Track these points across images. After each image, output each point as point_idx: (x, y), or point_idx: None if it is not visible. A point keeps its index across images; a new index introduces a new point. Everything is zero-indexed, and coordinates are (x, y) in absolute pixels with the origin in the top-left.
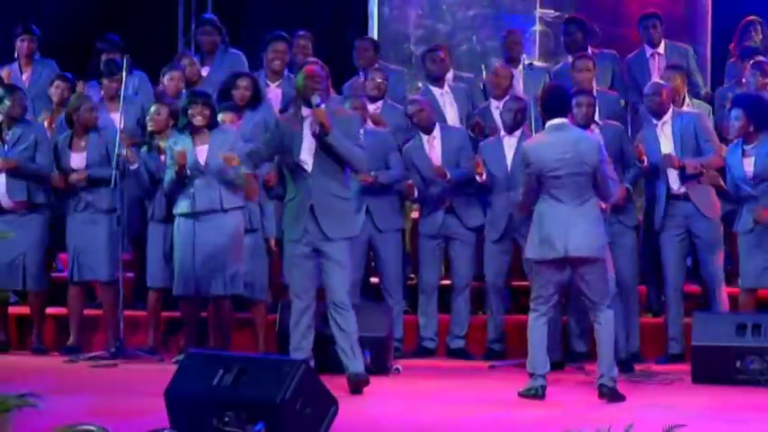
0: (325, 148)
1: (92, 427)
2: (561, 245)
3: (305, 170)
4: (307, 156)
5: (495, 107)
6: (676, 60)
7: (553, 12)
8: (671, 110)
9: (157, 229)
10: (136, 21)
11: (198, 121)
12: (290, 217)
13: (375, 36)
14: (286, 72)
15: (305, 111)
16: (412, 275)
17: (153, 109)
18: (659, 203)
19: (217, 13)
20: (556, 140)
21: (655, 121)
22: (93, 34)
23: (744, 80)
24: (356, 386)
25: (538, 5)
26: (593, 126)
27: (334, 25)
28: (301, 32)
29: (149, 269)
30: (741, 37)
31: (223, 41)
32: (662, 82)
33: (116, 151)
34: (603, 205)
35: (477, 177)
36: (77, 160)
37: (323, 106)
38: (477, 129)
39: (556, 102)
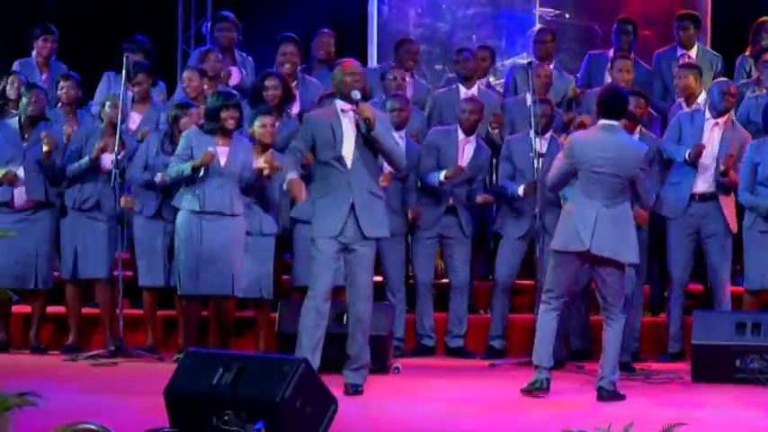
0: (368, 144)
1: (92, 426)
2: (586, 239)
3: (344, 166)
4: (347, 151)
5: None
6: (706, 66)
7: (553, 10)
8: (730, 115)
9: (149, 227)
10: (135, 21)
11: (230, 125)
12: (325, 214)
13: (375, 35)
14: (300, 75)
15: (343, 105)
16: (410, 274)
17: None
18: (680, 203)
19: (215, 12)
20: (604, 140)
21: (709, 117)
22: (92, 34)
23: (761, 78)
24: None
25: (537, 4)
26: (638, 129)
27: (333, 25)
28: (325, 30)
29: (141, 269)
30: (755, 38)
31: (238, 38)
32: (730, 81)
33: (115, 150)
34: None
35: (491, 130)
36: (106, 159)
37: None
38: (496, 121)
39: (613, 103)
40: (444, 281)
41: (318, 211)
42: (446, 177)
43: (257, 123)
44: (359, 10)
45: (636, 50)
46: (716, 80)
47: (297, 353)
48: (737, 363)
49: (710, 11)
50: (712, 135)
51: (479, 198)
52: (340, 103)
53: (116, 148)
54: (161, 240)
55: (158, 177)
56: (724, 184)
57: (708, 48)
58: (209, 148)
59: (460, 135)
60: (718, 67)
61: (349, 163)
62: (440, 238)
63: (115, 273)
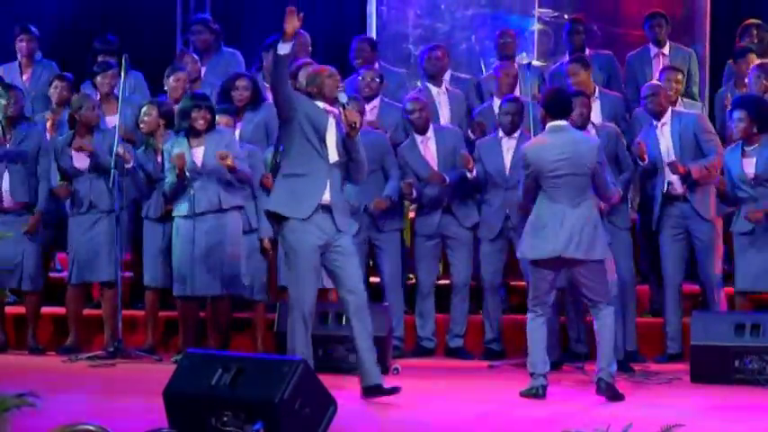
0: (346, 149)
1: (90, 427)
2: (555, 244)
3: (327, 157)
4: (332, 147)
5: (498, 106)
6: (679, 62)
7: (552, 11)
8: (669, 110)
9: (153, 228)
10: (134, 21)
11: (200, 125)
12: (298, 193)
13: (374, 36)
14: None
15: (326, 107)
16: (410, 275)
17: (144, 110)
18: (655, 204)
19: (214, 13)
20: (555, 142)
21: (654, 122)
22: (92, 34)
23: (746, 81)
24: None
25: (536, 5)
26: (589, 127)
27: (332, 25)
28: (301, 32)
29: (146, 269)
30: (741, 40)
31: (216, 41)
32: (659, 83)
33: (114, 150)
34: (602, 206)
35: (468, 174)
36: (80, 160)
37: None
38: (479, 129)
39: (557, 104)
40: (444, 282)
41: (291, 187)
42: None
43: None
44: (358, 11)
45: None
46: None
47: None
48: (736, 364)
49: (710, 12)
50: (664, 137)
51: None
52: (322, 105)
53: (115, 148)
54: (163, 242)
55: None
56: (691, 181)
57: (679, 46)
58: (176, 151)
59: (417, 137)
60: (692, 61)
61: (333, 158)
62: (441, 239)
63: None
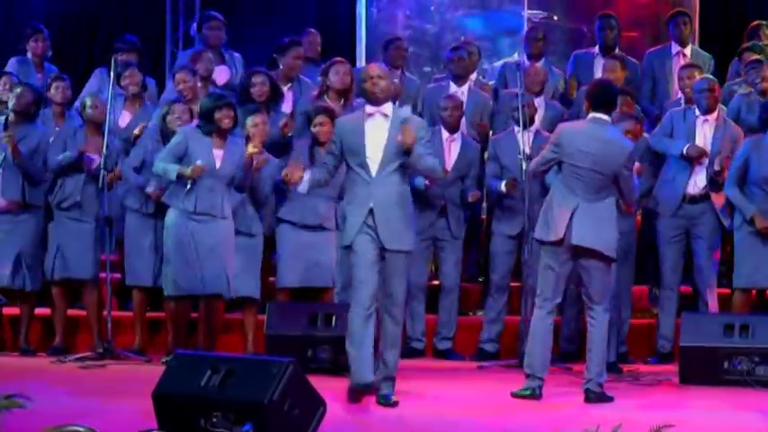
0: (399, 153)
1: (79, 428)
2: (561, 229)
3: (368, 174)
4: (372, 158)
5: (538, 104)
6: (700, 66)
7: (541, 12)
8: (717, 111)
9: (140, 224)
10: (123, 21)
11: (226, 124)
12: (348, 221)
13: (363, 37)
14: (295, 74)
15: (369, 108)
16: None
17: (177, 109)
18: (673, 201)
19: (203, 13)
20: (591, 133)
21: (700, 116)
22: (80, 35)
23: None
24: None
25: (525, 6)
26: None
27: (322, 26)
28: (311, 30)
29: (129, 267)
30: (750, 41)
31: (225, 38)
32: (714, 78)
33: (103, 152)
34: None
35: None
36: (90, 161)
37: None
38: (480, 129)
39: (603, 97)
40: (434, 283)
41: (347, 216)
42: (430, 181)
43: (249, 123)
44: (348, 11)
45: (622, 51)
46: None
47: (350, 359)
48: (725, 365)
49: (698, 11)
50: (703, 132)
51: (470, 196)
52: (368, 108)
53: (104, 150)
54: (151, 239)
55: (150, 188)
56: (717, 183)
57: (700, 50)
58: (199, 162)
59: (444, 134)
60: (710, 68)
61: (373, 170)
62: (433, 241)
63: (102, 274)
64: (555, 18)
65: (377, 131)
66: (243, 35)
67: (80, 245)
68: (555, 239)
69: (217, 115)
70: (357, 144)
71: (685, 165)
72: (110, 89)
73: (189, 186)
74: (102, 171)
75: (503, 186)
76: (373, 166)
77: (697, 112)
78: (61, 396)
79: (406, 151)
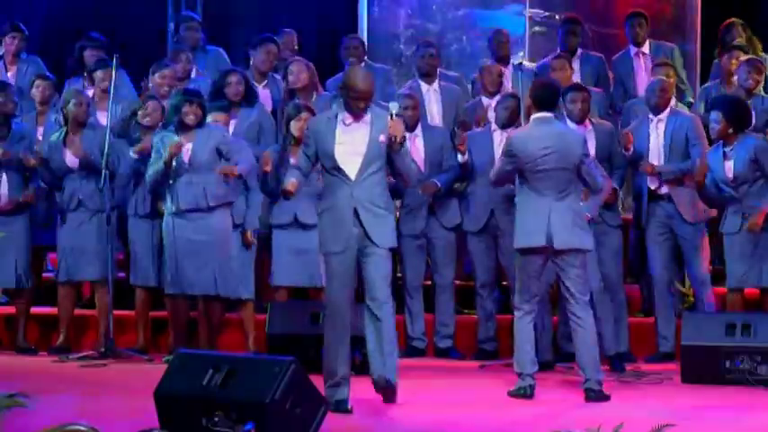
0: (389, 159)
1: (81, 427)
2: (543, 234)
3: (347, 177)
4: (350, 162)
5: (487, 104)
6: (662, 59)
7: (543, 12)
8: (669, 108)
9: (141, 226)
10: (125, 20)
11: (191, 120)
12: (330, 230)
13: (365, 35)
14: (269, 74)
15: (347, 118)
16: (398, 275)
17: (150, 105)
18: (643, 200)
19: (205, 12)
20: (541, 134)
21: (651, 116)
22: (81, 33)
23: (733, 78)
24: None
25: (527, 5)
26: (587, 123)
27: (323, 25)
28: (287, 30)
29: (135, 268)
30: (724, 38)
31: (202, 38)
32: (667, 78)
33: (105, 150)
34: (588, 216)
35: (459, 156)
36: (73, 157)
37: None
38: (464, 127)
39: (545, 96)
40: (426, 282)
41: (324, 225)
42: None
43: (209, 118)
44: (349, 10)
45: (621, 48)
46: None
47: (327, 366)
48: (727, 364)
49: (700, 10)
50: (657, 132)
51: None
52: (344, 116)
53: (106, 148)
54: (152, 239)
55: (132, 151)
56: (676, 182)
57: (660, 43)
58: (174, 137)
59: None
60: (674, 56)
61: (353, 174)
62: (427, 239)
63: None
64: (557, 17)
65: (355, 134)
66: (243, 35)
67: (90, 246)
68: (537, 246)
69: (183, 109)
70: (332, 149)
71: (635, 164)
72: (111, 87)
73: (171, 177)
74: (103, 171)
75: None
76: (352, 170)
77: (651, 115)
78: (63, 395)
79: (395, 144)
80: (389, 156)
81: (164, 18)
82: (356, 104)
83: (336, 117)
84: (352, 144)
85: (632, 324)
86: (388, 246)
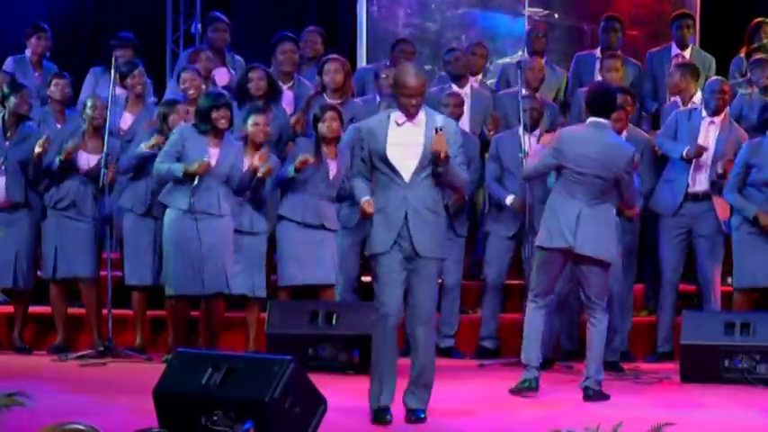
0: (434, 172)
1: (80, 426)
2: (569, 237)
3: (401, 179)
4: (404, 163)
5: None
6: (699, 67)
7: (541, 10)
8: (726, 113)
9: (137, 224)
10: (123, 21)
11: (222, 124)
12: (379, 229)
13: (364, 35)
14: (296, 76)
15: (399, 117)
16: None
17: (179, 108)
18: (674, 200)
19: (203, 12)
20: (592, 139)
21: (707, 117)
22: (81, 33)
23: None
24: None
25: (526, 4)
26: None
27: (322, 24)
28: (310, 28)
29: (128, 266)
30: (752, 38)
31: (230, 40)
32: (725, 80)
33: (104, 151)
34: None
35: (487, 132)
36: (89, 161)
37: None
38: (495, 124)
39: (602, 101)
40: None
41: (373, 225)
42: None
43: (250, 122)
44: (348, 10)
45: (623, 50)
46: (709, 79)
47: (374, 371)
48: (726, 363)
49: (699, 10)
50: (708, 133)
51: (451, 203)
52: (397, 115)
53: (105, 149)
54: (149, 239)
55: (141, 147)
56: (719, 185)
57: (702, 51)
58: (206, 158)
59: None
60: (711, 68)
61: (407, 176)
62: None
63: (102, 273)
64: (556, 16)
65: (408, 134)
66: (243, 34)
67: (78, 244)
68: (560, 247)
69: (214, 115)
70: (384, 149)
71: (686, 166)
72: (110, 87)
73: (196, 183)
74: (102, 170)
75: (509, 201)
76: (407, 172)
77: (704, 113)
78: (62, 394)
79: (439, 160)
80: (434, 169)
81: (162, 19)
82: (408, 102)
83: (389, 117)
84: (405, 145)
85: (631, 323)
86: (434, 256)
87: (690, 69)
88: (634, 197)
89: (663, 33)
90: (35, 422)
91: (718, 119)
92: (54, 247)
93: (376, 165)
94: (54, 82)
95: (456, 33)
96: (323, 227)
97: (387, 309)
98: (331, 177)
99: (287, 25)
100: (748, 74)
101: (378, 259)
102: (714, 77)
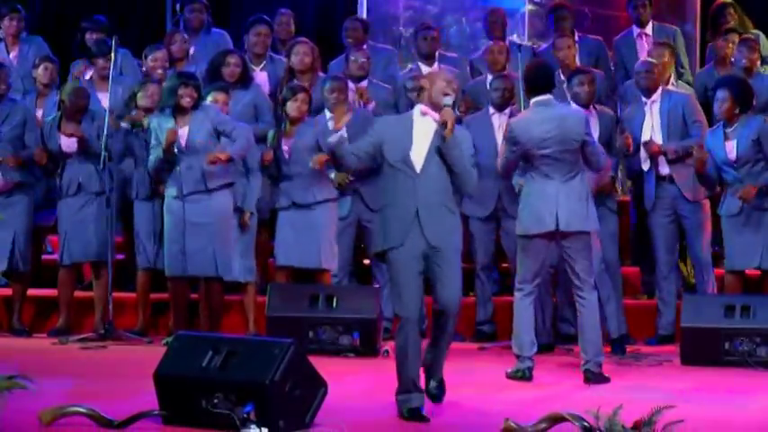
0: (442, 156)
1: (81, 409)
2: (551, 219)
3: (412, 170)
4: (417, 155)
5: (490, 83)
6: (663, 41)
7: None
8: (660, 89)
9: (143, 209)
10: (122, 6)
11: (186, 102)
12: (388, 224)
13: (364, 17)
14: (269, 53)
15: (423, 108)
16: None
17: (150, 87)
18: (649, 184)
19: None
20: (542, 117)
21: (644, 99)
22: (81, 14)
23: (731, 60)
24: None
25: None
26: (591, 108)
27: (323, 6)
28: (282, 10)
29: (138, 250)
30: (716, 21)
31: (208, 20)
32: (653, 60)
33: (105, 132)
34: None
35: (458, 113)
36: (68, 144)
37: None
38: (466, 105)
39: (540, 78)
40: None
41: (383, 220)
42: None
43: (209, 98)
44: None
45: (621, 31)
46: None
47: (401, 374)
48: (726, 345)
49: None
50: (652, 113)
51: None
52: (420, 107)
53: (105, 130)
54: (153, 223)
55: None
56: (677, 160)
57: (663, 24)
58: (168, 126)
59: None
60: (677, 38)
61: (418, 167)
62: None
63: (119, 256)
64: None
65: (425, 126)
66: (243, 15)
67: (89, 228)
68: (542, 231)
69: (179, 92)
70: (404, 140)
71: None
72: (111, 69)
73: (172, 159)
74: (103, 153)
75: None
76: (418, 162)
77: (643, 98)
78: (62, 377)
79: (446, 133)
80: (440, 150)
81: (162, 5)
82: (436, 102)
83: (412, 117)
84: (421, 136)
85: (632, 306)
86: (450, 246)
87: (669, 47)
88: (600, 158)
89: (662, 16)
90: (36, 404)
91: (655, 96)
92: (66, 232)
93: (388, 158)
94: (43, 65)
95: (456, 16)
96: (316, 203)
97: (408, 313)
98: (286, 156)
99: (287, 6)
100: (735, 53)
101: (390, 256)
102: (642, 59)
